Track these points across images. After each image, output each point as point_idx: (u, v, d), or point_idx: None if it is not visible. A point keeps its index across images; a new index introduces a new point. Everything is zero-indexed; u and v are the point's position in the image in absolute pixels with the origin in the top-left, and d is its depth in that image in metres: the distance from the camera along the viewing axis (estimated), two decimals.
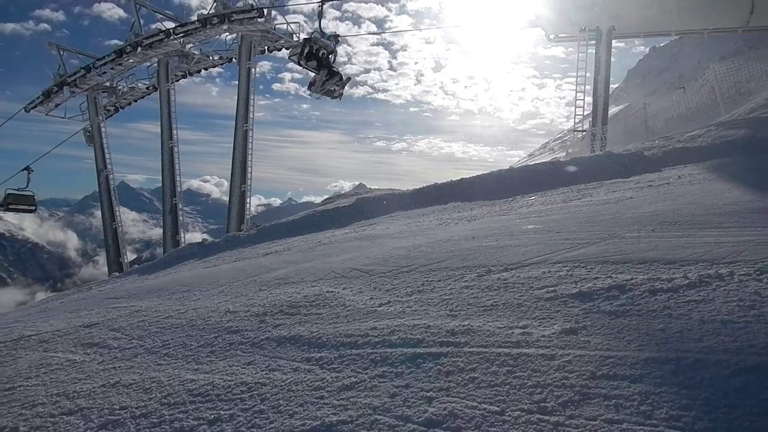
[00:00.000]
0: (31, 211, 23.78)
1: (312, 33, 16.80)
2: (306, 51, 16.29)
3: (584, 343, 2.99)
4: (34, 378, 4.37)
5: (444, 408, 2.61)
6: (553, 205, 8.26)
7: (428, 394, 2.77)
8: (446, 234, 7.23)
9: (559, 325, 3.26)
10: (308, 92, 17.78)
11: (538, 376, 2.74)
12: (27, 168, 23.16)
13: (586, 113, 21.62)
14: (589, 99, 20.78)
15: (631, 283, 3.73)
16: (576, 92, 20.74)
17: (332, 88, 17.74)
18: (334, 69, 17.32)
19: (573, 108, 21.00)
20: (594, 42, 20.25)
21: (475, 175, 13.40)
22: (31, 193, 23.08)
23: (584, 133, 21.72)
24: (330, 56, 16.90)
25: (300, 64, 16.72)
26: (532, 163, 20.39)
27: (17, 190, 22.63)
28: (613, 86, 21.78)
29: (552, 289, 3.92)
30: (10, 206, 22.70)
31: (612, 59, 20.41)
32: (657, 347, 2.79)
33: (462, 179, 13.09)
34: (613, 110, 26.16)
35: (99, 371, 4.19)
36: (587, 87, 20.69)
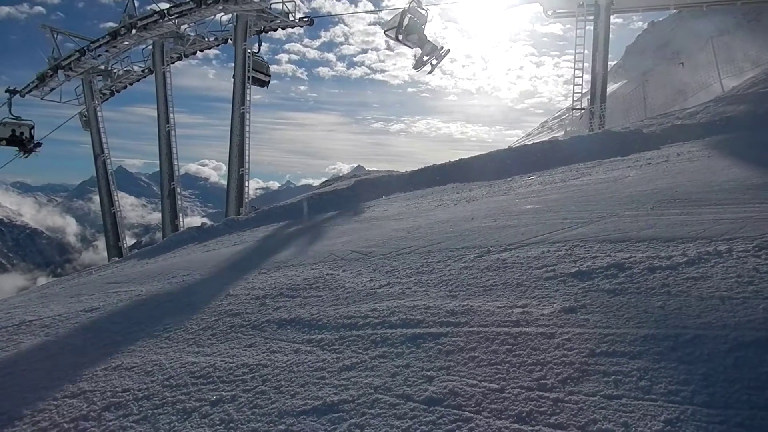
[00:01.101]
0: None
1: (410, 3, 16.44)
2: (405, 23, 16.03)
3: (583, 321, 3.01)
4: (36, 363, 4.40)
5: (444, 386, 2.63)
6: (552, 184, 8.25)
7: (429, 374, 2.79)
8: (445, 215, 7.23)
9: (558, 304, 3.27)
10: (414, 71, 17.82)
11: (537, 354, 2.76)
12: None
13: (584, 91, 21.50)
14: (587, 77, 20.64)
15: (630, 261, 3.74)
16: (574, 70, 20.58)
17: (433, 62, 17.59)
18: (432, 42, 17.21)
19: (571, 86, 20.86)
20: (592, 18, 20.06)
21: (473, 155, 13.37)
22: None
23: (583, 111, 21.60)
24: (424, 27, 16.79)
25: (398, 40, 16.43)
26: (531, 142, 20.32)
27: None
28: (611, 63, 21.58)
29: (551, 268, 3.93)
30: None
31: (610, 36, 20.25)
32: (656, 324, 2.81)
33: (460, 160, 13.06)
34: (611, 87, 26.01)
35: (100, 355, 4.22)
36: (585, 64, 20.55)
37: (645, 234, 4.33)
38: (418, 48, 17.31)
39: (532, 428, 2.23)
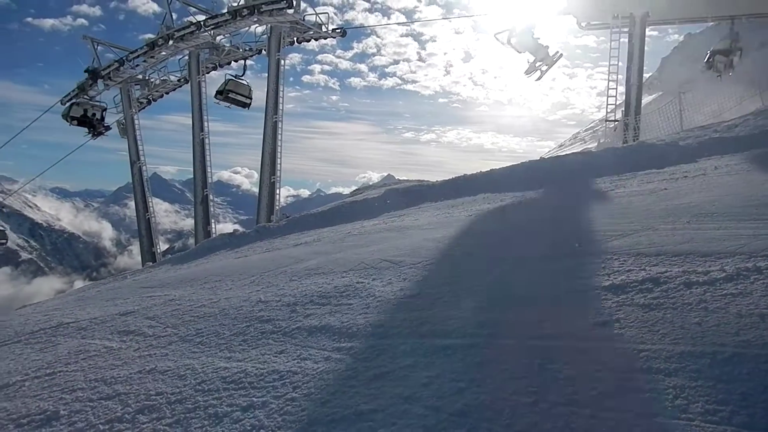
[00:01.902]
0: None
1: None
2: (519, 29, 16.98)
3: (617, 335, 2.96)
4: (73, 364, 4.50)
5: (475, 399, 2.61)
6: (585, 197, 8.16)
7: (459, 385, 2.77)
8: (476, 225, 7.20)
9: (591, 318, 3.23)
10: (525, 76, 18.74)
11: (570, 368, 2.72)
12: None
13: (618, 103, 21.22)
14: (621, 88, 20.39)
15: (666, 275, 3.67)
16: (608, 81, 20.36)
17: (543, 68, 18.43)
18: (545, 47, 18.11)
19: (604, 98, 20.62)
20: (627, 29, 19.84)
21: (505, 166, 13.30)
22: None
23: (617, 123, 21.33)
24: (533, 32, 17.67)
25: (509, 43, 17.51)
26: (563, 154, 20.12)
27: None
28: (646, 75, 21.27)
29: (584, 281, 3.88)
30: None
31: (645, 48, 19.96)
32: (692, 341, 2.75)
33: (492, 170, 12.99)
34: (646, 99, 25.63)
35: (135, 358, 4.30)
36: (620, 76, 20.31)
37: (681, 248, 4.24)
38: (528, 53, 17.97)
39: None
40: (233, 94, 23.13)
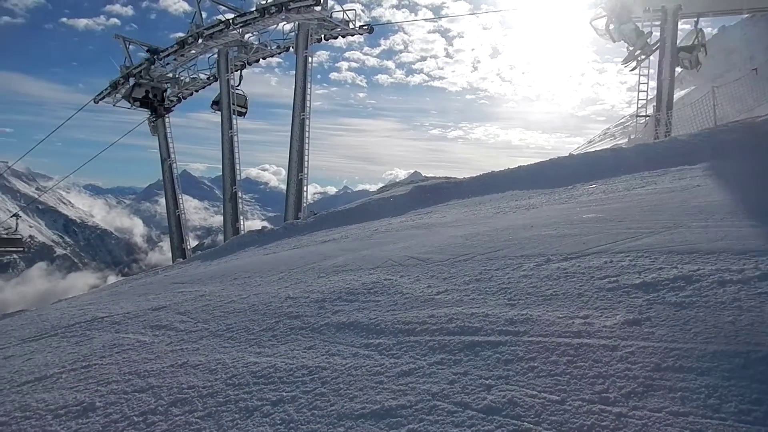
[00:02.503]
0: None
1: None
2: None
3: (648, 334, 2.92)
4: (108, 357, 4.61)
5: (503, 396, 2.61)
6: (615, 193, 8.05)
7: (487, 382, 2.78)
8: (504, 223, 7.16)
9: (621, 316, 3.20)
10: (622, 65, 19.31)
11: (599, 366, 2.71)
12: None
13: (649, 98, 20.86)
14: (653, 83, 20.06)
15: (698, 273, 3.61)
16: (639, 76, 20.03)
17: (641, 58, 19.08)
18: (645, 35, 18.89)
19: (635, 93, 20.29)
20: (659, 23, 19.49)
21: (533, 162, 13.19)
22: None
23: (648, 118, 20.97)
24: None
25: (607, 30, 18.33)
26: (593, 150, 19.85)
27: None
28: (678, 69, 20.88)
29: (614, 279, 3.84)
30: None
31: (678, 41, 19.58)
32: (726, 340, 2.71)
33: (520, 167, 12.90)
34: (678, 94, 25.15)
35: (167, 352, 4.38)
36: (651, 71, 19.97)
37: (715, 246, 4.17)
38: (623, 42, 18.44)
39: None
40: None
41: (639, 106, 20.78)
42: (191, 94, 28.72)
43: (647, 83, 19.99)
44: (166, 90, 24.84)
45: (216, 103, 24.31)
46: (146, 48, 25.20)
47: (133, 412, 3.37)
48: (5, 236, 24.18)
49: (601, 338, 2.98)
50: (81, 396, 3.81)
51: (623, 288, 3.64)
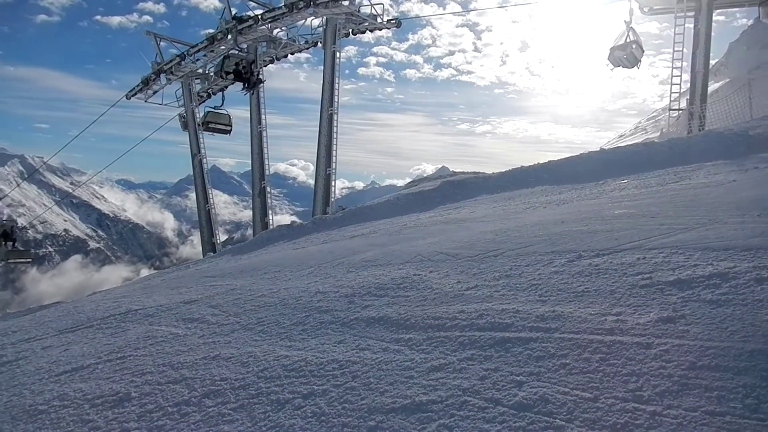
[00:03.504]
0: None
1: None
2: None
3: (683, 332, 2.88)
4: (142, 349, 4.71)
5: (535, 393, 2.60)
6: (648, 188, 7.91)
7: (518, 378, 2.77)
8: (534, 218, 7.10)
9: (655, 313, 3.15)
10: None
11: (633, 364, 2.68)
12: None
13: (682, 91, 20.43)
14: (686, 76, 19.62)
15: (735, 271, 3.54)
16: (672, 68, 19.60)
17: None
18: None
19: (667, 86, 19.87)
20: (692, 14, 19.05)
21: (562, 157, 13.04)
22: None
23: (681, 112, 20.54)
24: None
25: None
26: (624, 144, 19.52)
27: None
28: (712, 61, 20.46)
29: (647, 276, 3.78)
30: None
31: (711, 33, 19.16)
32: (764, 339, 2.65)
33: (549, 161, 12.76)
34: (712, 87, 24.56)
35: (200, 345, 4.46)
36: (684, 63, 19.55)
37: (751, 243, 4.07)
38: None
39: None
40: (213, 124, 25.03)
41: (672, 99, 20.36)
42: (221, 89, 29.01)
43: (680, 76, 19.58)
44: (254, 61, 24.25)
45: (201, 125, 24.87)
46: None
47: (168, 403, 3.44)
48: (17, 249, 25.06)
49: (635, 336, 2.94)
50: (117, 386, 3.90)
51: (657, 285, 3.59)
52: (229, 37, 23.94)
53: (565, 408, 2.45)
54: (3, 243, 24.45)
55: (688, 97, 19.76)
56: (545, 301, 3.73)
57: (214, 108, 24.50)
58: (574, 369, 2.75)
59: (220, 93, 25.34)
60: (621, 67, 19.49)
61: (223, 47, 25.25)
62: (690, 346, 2.73)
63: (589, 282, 3.92)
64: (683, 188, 7.27)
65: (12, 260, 28.27)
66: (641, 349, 2.79)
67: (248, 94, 24.52)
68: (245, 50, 24.46)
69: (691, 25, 19.11)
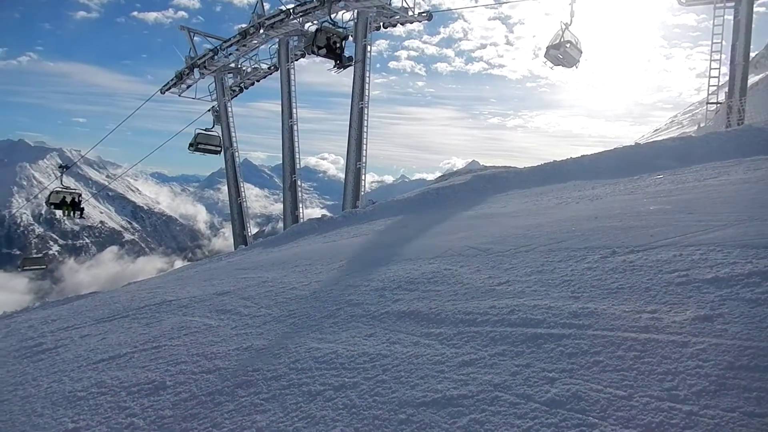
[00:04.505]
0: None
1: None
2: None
3: (721, 331, 2.82)
4: (176, 339, 4.80)
5: (567, 389, 2.58)
6: (685, 184, 7.74)
7: (550, 375, 2.75)
8: (566, 213, 7.01)
9: (692, 312, 3.09)
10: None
11: (668, 362, 2.63)
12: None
13: (720, 84, 19.90)
14: (724, 69, 19.11)
15: None
16: (710, 61, 19.10)
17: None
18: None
19: (705, 79, 19.37)
20: (732, 4, 18.52)
21: (596, 152, 12.84)
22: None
23: (719, 105, 20.03)
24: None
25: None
26: (659, 138, 19.15)
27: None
28: (752, 53, 19.93)
29: (684, 273, 3.71)
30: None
31: (752, 24, 18.62)
32: None
33: (583, 156, 12.57)
34: (752, 79, 23.90)
35: (232, 336, 4.53)
36: (722, 55, 19.03)
37: None
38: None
39: None
40: (203, 145, 25.36)
41: (709, 92, 19.86)
42: (252, 83, 29.25)
43: (719, 68, 19.08)
44: (346, 37, 23.18)
45: (191, 146, 25.23)
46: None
47: (201, 392, 3.50)
48: (205, 132, 25.57)
49: (671, 334, 2.89)
50: (152, 375, 3.99)
51: (694, 283, 3.52)
52: (261, 31, 24.02)
53: (598, 405, 2.42)
54: (72, 212, 24.97)
55: (726, 90, 19.25)
56: (578, 297, 3.69)
57: (204, 130, 24.94)
58: (607, 366, 2.72)
59: (212, 117, 25.57)
60: (561, 66, 19.80)
61: (255, 41, 25.38)
62: (728, 345, 2.67)
63: (624, 279, 3.86)
64: (721, 184, 7.09)
65: (28, 267, 29.22)
66: (677, 348, 2.74)
67: (337, 71, 23.53)
68: (340, 24, 23.35)
69: (731, 17, 18.60)
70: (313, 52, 22.04)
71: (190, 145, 25.04)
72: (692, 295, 3.33)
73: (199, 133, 24.61)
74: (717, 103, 20.09)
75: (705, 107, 21.17)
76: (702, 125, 21.18)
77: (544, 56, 19.65)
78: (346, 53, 22.30)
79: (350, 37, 23.19)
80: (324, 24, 21.77)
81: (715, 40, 18.94)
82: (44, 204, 27.42)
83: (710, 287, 3.39)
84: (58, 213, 25.05)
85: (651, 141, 16.52)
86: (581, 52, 19.49)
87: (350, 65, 22.34)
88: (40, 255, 30.76)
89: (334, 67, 23.14)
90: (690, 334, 2.84)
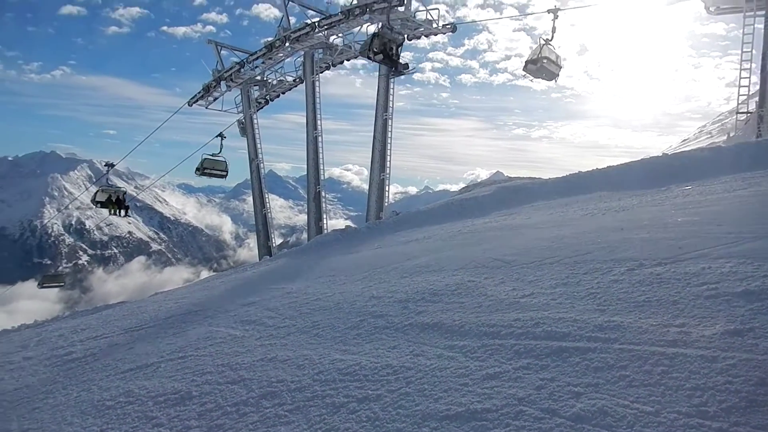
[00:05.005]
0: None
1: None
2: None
3: (751, 346, 2.76)
4: (202, 349, 4.86)
5: (593, 404, 2.55)
6: (714, 195, 7.60)
7: (576, 389, 2.71)
8: (592, 225, 6.94)
9: (721, 326, 3.03)
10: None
11: (697, 378, 2.58)
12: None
13: (751, 93, 19.54)
14: (754, 78, 18.77)
15: None
16: (740, 70, 18.76)
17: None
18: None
19: (735, 88, 19.03)
20: (763, 12, 18.21)
21: (622, 162, 12.69)
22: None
23: (749, 115, 19.66)
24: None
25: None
26: (688, 149, 18.85)
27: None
28: (532, 79, 20.71)
29: (713, 286, 3.64)
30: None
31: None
32: None
33: (609, 167, 12.42)
34: None
35: (257, 346, 4.56)
36: (753, 65, 18.69)
37: None
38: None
39: None
40: (209, 170, 25.33)
41: (739, 102, 19.52)
42: (278, 96, 29.57)
43: (749, 77, 18.74)
44: (401, 44, 22.53)
45: (198, 170, 25.51)
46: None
47: (227, 403, 3.53)
48: (212, 157, 26.01)
49: (699, 348, 2.84)
50: (178, 385, 4.04)
51: (723, 296, 3.45)
52: (287, 44, 24.30)
53: (624, 421, 2.38)
54: (117, 210, 25.38)
55: (757, 99, 18.90)
56: (604, 310, 3.65)
57: (211, 155, 25.30)
58: (634, 381, 2.67)
59: (219, 140, 25.90)
60: (541, 78, 20.48)
61: (281, 54, 25.69)
62: (759, 360, 2.61)
63: (651, 292, 3.81)
64: (752, 195, 6.95)
65: (47, 285, 29.82)
66: (706, 363, 2.69)
67: (393, 78, 23.02)
68: (396, 30, 22.80)
69: (761, 25, 18.28)
70: (369, 57, 21.57)
71: (197, 169, 25.48)
72: (722, 309, 3.27)
73: (205, 159, 25.00)
74: (747, 112, 19.74)
75: (735, 117, 20.80)
76: (731, 135, 20.80)
77: (523, 69, 20.24)
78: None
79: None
80: (381, 29, 21.38)
81: (745, 49, 18.64)
82: (90, 203, 27.66)
83: (741, 300, 3.32)
84: (104, 212, 25.28)
85: (679, 151, 16.28)
86: (560, 67, 20.14)
87: (407, 73, 21.96)
88: (59, 273, 31.54)
89: (390, 72, 22.60)
90: (719, 349, 2.79)
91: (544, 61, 19.67)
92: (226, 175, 26.22)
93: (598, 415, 2.46)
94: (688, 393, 2.49)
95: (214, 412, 3.45)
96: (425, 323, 4.16)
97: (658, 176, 10.25)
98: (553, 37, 19.91)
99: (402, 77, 22.09)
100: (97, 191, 24.52)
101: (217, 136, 25.61)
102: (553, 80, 20.58)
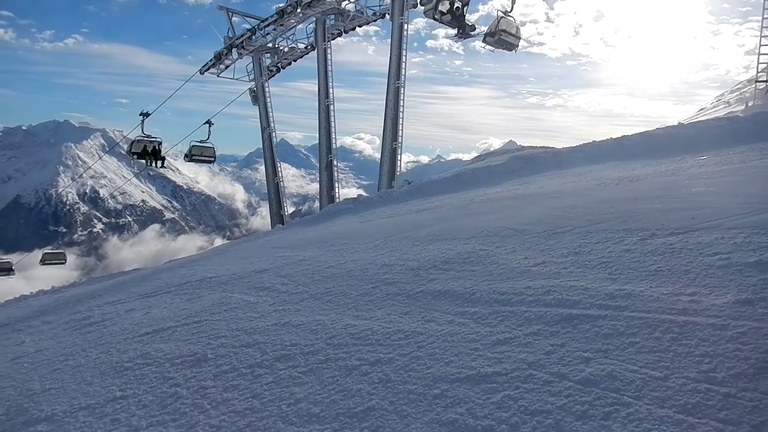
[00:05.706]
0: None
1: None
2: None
3: (762, 315, 2.77)
4: (216, 314, 4.94)
5: (602, 369, 2.58)
6: (729, 165, 7.52)
7: (585, 355, 2.75)
8: (605, 195, 6.91)
9: (732, 295, 3.04)
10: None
11: (706, 345, 2.61)
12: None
13: None
14: None
15: None
16: (760, 37, 18.33)
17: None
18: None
19: (754, 56, 18.64)
20: None
21: (637, 132, 12.56)
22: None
23: None
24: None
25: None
26: (704, 118, 18.58)
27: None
28: (492, 49, 20.53)
29: (725, 256, 3.63)
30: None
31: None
32: None
33: (623, 136, 12.31)
34: None
35: (271, 312, 4.64)
36: None
37: None
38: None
39: (698, 420, 2.13)
40: (197, 156, 25.26)
41: (759, 70, 19.12)
42: (289, 63, 29.36)
43: None
44: (468, 2, 21.51)
45: (186, 156, 25.38)
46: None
47: (242, 365, 3.62)
48: (200, 144, 26.25)
49: (710, 317, 2.85)
50: (194, 348, 4.13)
51: (735, 266, 3.45)
52: (298, 10, 24.06)
53: (633, 386, 2.42)
54: (153, 161, 25.66)
55: None
56: (615, 279, 3.66)
57: (199, 141, 25.30)
58: (643, 348, 2.70)
59: (207, 127, 25.80)
60: (501, 49, 20.69)
61: (292, 21, 25.46)
62: None
63: (663, 261, 3.81)
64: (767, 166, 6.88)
65: (48, 262, 30.44)
66: (716, 331, 2.71)
67: (461, 40, 22.12)
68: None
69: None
70: (435, 18, 20.86)
71: (186, 155, 25.66)
72: (734, 278, 3.27)
73: (193, 146, 25.12)
74: (766, 81, 19.35)
75: (754, 86, 20.41)
76: (750, 104, 20.45)
77: (482, 41, 20.37)
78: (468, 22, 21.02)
79: (387, 15, 22.82)
80: None
81: (765, 15, 18.19)
82: (126, 154, 27.92)
83: (753, 270, 3.32)
84: (141, 162, 25.43)
85: (696, 121, 16.06)
86: (519, 38, 20.34)
87: (473, 35, 21.19)
88: (59, 251, 32.22)
89: (456, 35, 21.86)
90: (730, 318, 2.80)
91: (502, 33, 19.96)
92: (214, 160, 26.42)
93: (607, 379, 2.50)
94: (697, 359, 2.52)
95: (230, 374, 3.53)
96: (437, 290, 4.20)
97: (674, 146, 10.16)
98: (512, 8, 20.16)
99: (406, 50, 21.73)
100: (133, 142, 24.53)
101: (204, 123, 25.61)
102: (513, 50, 20.80)
